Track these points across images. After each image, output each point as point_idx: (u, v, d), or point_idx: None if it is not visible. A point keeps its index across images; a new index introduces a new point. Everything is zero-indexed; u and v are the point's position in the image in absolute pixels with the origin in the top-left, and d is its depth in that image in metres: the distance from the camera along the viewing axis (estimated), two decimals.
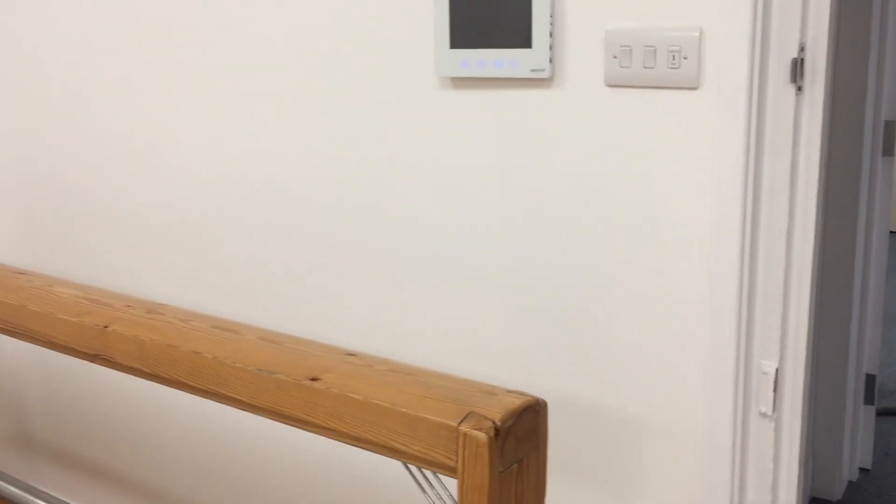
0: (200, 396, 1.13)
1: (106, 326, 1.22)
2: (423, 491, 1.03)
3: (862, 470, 2.43)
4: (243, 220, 1.57)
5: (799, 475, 1.22)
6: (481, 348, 1.34)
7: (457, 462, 0.91)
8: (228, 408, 1.74)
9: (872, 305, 2.29)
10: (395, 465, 1.47)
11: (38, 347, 2.08)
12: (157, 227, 1.71)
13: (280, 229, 1.52)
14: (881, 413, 2.72)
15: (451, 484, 1.32)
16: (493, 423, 0.90)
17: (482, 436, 0.89)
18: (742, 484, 1.22)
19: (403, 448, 0.95)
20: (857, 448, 2.38)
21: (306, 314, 1.53)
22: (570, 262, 1.23)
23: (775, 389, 1.16)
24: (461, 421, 0.91)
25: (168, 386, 1.17)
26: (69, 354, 1.28)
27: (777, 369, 1.15)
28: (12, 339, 2.12)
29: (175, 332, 1.17)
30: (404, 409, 0.95)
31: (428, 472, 1.07)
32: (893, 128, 2.19)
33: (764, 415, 1.18)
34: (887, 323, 3.51)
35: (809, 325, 1.15)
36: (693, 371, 1.18)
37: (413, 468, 1.06)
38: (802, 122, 1.08)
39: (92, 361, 1.26)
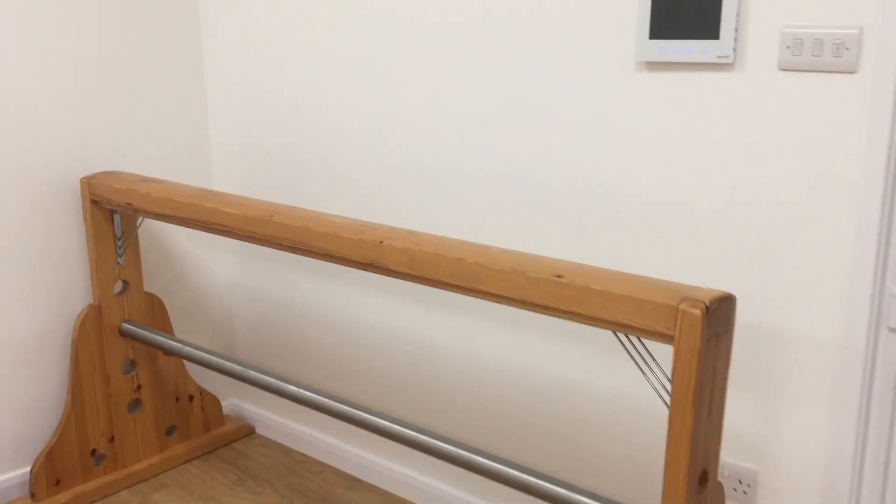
0: (460, 293, 1.51)
1: (381, 242, 1.61)
2: (629, 352, 1.39)
3: None
4: (458, 177, 1.96)
5: None
6: (672, 278, 1.69)
7: (675, 331, 1.27)
8: (419, 328, 2.13)
9: None
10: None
11: (247, 275, 2.51)
12: (370, 183, 2.11)
13: (491, 186, 1.90)
14: None
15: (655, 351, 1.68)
16: (704, 303, 1.26)
17: (697, 312, 1.25)
18: (871, 387, 1.54)
19: (632, 324, 1.31)
20: None
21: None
22: (742, 208, 1.57)
23: None
24: (680, 302, 1.27)
25: (432, 286, 1.55)
26: (344, 265, 1.68)
27: None
28: (225, 268, 2.55)
29: (438, 245, 1.55)
30: (634, 295, 1.31)
31: (635, 342, 1.43)
32: None
33: (892, 330, 1.50)
34: None
35: None
36: (836, 293, 1.51)
37: (622, 338, 1.43)
38: None
39: (364, 269, 1.65)
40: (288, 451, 2.53)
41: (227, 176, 2.49)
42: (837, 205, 1.48)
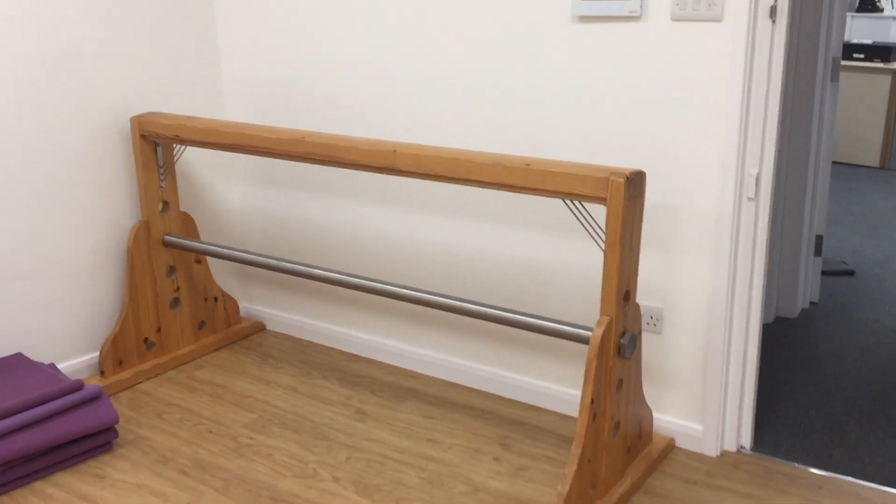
0: (456, 184, 2.13)
1: (394, 150, 2.21)
2: (576, 215, 2.05)
3: (812, 303, 3.48)
4: (441, 105, 2.56)
5: (768, 234, 2.25)
6: None
7: (607, 195, 1.92)
8: (407, 229, 2.74)
9: (822, 182, 3.32)
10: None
11: (255, 197, 3.07)
12: (356, 112, 2.69)
13: (468, 113, 2.52)
14: (824, 273, 3.78)
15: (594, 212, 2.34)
16: (626, 175, 1.91)
17: (621, 180, 1.90)
18: (737, 241, 2.24)
19: (579, 192, 1.96)
20: (809, 287, 3.43)
21: None
22: (647, 120, 2.24)
23: (756, 184, 2.18)
24: (609, 175, 1.92)
25: (435, 180, 2.16)
26: (366, 171, 2.27)
27: (758, 173, 2.17)
28: (238, 192, 3.10)
29: (437, 150, 2.16)
30: (581, 173, 1.95)
31: (581, 208, 2.07)
32: (838, 62, 3.21)
33: (750, 199, 2.20)
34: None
35: (775, 148, 2.17)
36: (712, 176, 2.19)
37: (569, 204, 2.08)
38: (775, 40, 2.09)
39: (380, 172, 2.25)
40: (296, 340, 3.12)
41: (238, 117, 3.03)
42: (711, 114, 2.16)
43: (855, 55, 6.17)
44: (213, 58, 2.98)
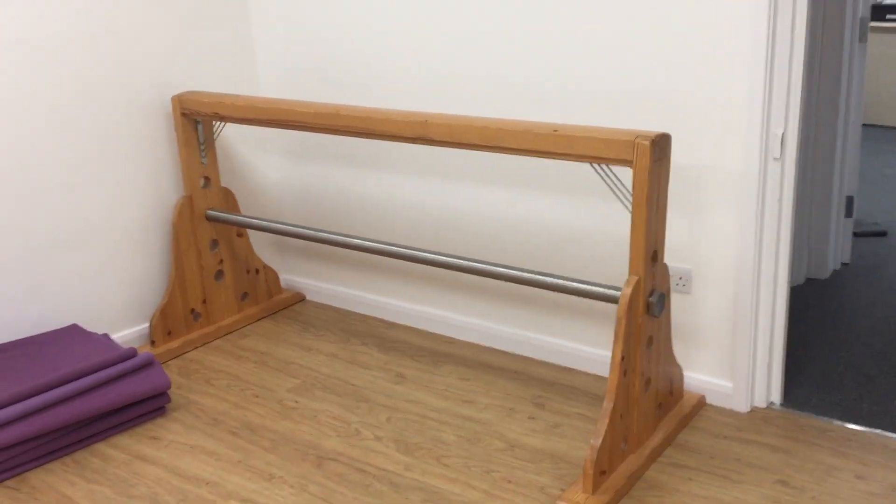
0: (487, 151, 2.20)
1: (425, 121, 2.29)
2: (603, 179, 2.11)
3: (843, 263, 3.51)
4: (464, 75, 2.63)
5: (794, 195, 2.29)
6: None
7: (633, 157, 1.98)
8: (439, 198, 2.82)
9: (851, 143, 3.33)
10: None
11: (292, 173, 3.16)
12: (388, 87, 2.77)
13: (491, 78, 2.58)
14: (855, 234, 3.79)
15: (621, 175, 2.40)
16: (651, 138, 1.97)
17: (647, 143, 1.96)
18: (763, 200, 2.29)
19: (606, 156, 2.02)
20: (840, 247, 3.45)
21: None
22: (670, 81, 2.28)
23: (782, 144, 2.22)
24: (635, 139, 1.98)
25: (467, 149, 2.23)
26: (397, 140, 2.35)
27: (783, 133, 2.21)
28: (275, 167, 3.19)
29: (468, 119, 2.23)
30: (608, 138, 2.01)
31: (608, 171, 2.13)
32: (866, 22, 3.21)
33: (776, 159, 2.24)
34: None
35: (801, 108, 2.20)
36: (737, 136, 2.24)
37: (597, 168, 2.14)
38: None
39: (413, 143, 2.33)
40: (335, 310, 3.23)
41: (272, 94, 3.12)
42: (735, 75, 2.20)
43: (889, 16, 6.09)
44: (246, 36, 3.07)
